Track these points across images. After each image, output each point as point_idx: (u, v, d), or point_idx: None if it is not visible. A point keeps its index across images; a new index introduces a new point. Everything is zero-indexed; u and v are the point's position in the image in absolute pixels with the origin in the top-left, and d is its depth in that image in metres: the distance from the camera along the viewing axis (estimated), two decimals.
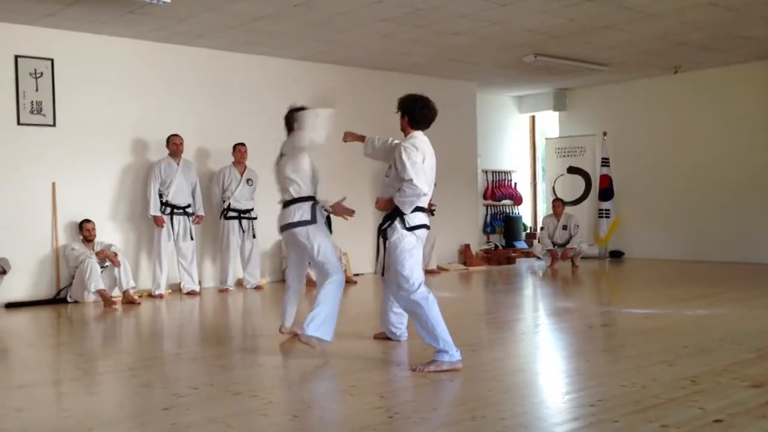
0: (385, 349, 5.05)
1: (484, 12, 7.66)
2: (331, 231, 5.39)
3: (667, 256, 11.41)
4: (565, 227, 10.80)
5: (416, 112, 4.76)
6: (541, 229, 11.26)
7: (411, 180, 4.41)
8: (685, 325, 5.76)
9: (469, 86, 11.63)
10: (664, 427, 3.12)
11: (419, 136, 4.71)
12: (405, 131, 4.80)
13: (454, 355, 4.28)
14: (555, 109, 12.88)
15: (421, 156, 4.52)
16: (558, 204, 11.06)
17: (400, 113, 4.82)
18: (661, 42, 9.18)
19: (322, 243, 5.07)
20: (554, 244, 10.82)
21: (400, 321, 5.18)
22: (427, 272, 10.17)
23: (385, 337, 5.24)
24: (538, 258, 11.21)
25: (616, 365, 4.46)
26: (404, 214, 4.52)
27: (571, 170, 12.46)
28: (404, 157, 4.48)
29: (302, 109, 5.33)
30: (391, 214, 4.57)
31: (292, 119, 5.29)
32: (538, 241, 11.17)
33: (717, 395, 3.61)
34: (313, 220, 5.11)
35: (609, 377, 4.07)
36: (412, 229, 4.55)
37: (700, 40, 9.11)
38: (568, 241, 10.73)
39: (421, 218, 4.62)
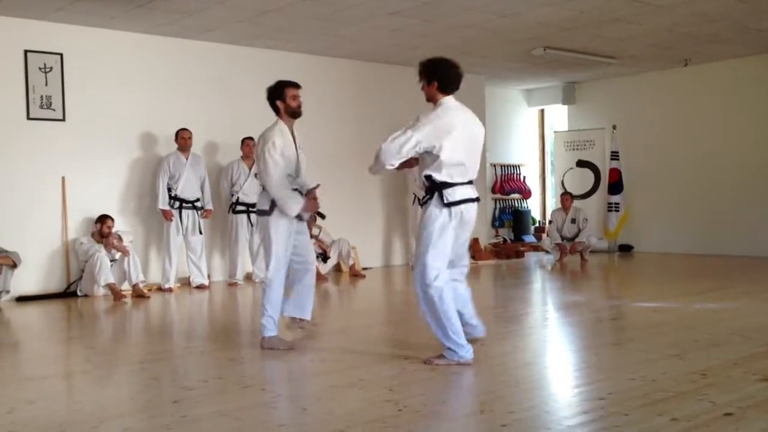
0: (394, 342, 5.05)
1: (493, 5, 7.63)
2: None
3: (677, 250, 11.35)
4: (573, 221, 10.77)
5: (445, 75, 4.29)
6: (550, 222, 11.23)
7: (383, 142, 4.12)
8: (694, 318, 5.73)
9: (478, 80, 11.59)
10: (674, 420, 3.11)
11: (448, 103, 4.27)
12: (434, 99, 4.32)
13: (463, 355, 4.16)
14: (564, 103, 12.83)
15: (437, 128, 4.12)
16: (566, 197, 11.03)
17: (424, 81, 4.34)
18: (671, 34, 9.12)
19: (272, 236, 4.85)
20: (563, 237, 10.79)
21: (471, 315, 4.68)
22: None
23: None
24: (547, 252, 11.19)
25: (625, 359, 4.45)
26: (442, 187, 4.15)
27: (580, 164, 12.42)
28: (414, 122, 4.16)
29: None
30: (430, 188, 4.22)
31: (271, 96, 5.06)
32: (547, 235, 11.15)
33: (727, 389, 3.60)
34: (270, 211, 4.85)
35: (618, 371, 4.06)
36: (450, 205, 4.16)
37: (710, 32, 9.05)
38: (576, 235, 10.70)
39: (463, 192, 4.20)
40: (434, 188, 4.20)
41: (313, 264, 5.26)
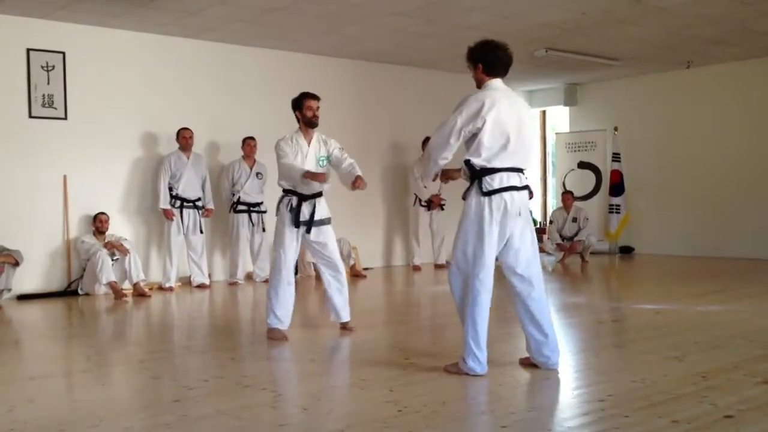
0: (394, 342, 5.05)
1: (496, 6, 7.63)
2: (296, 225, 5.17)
3: (678, 252, 11.35)
4: (575, 219, 10.78)
5: (489, 56, 4.01)
6: (550, 222, 11.23)
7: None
8: (695, 321, 5.73)
9: None
10: (675, 422, 3.11)
11: (493, 85, 4.01)
12: (481, 83, 4.06)
13: (473, 367, 3.90)
14: (566, 104, 12.82)
15: (477, 106, 3.86)
16: (567, 196, 11.03)
17: (470, 65, 4.08)
18: (673, 36, 9.11)
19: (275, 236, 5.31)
20: (563, 237, 10.79)
21: (544, 343, 4.05)
22: (437, 267, 10.18)
23: (531, 363, 4.16)
24: (548, 253, 11.18)
25: (626, 361, 4.45)
26: (482, 174, 3.87)
27: (582, 165, 12.42)
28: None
29: None
30: (470, 177, 3.95)
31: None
32: (548, 237, 11.14)
33: (728, 391, 3.59)
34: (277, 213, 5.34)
35: (619, 373, 4.06)
36: (490, 193, 3.86)
37: (713, 34, 9.05)
38: (576, 234, 10.70)
39: (504, 179, 3.89)
40: (473, 176, 3.91)
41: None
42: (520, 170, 3.99)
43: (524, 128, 4.00)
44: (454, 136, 3.89)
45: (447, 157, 3.95)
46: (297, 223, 5.14)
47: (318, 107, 5.30)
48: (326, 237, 5.28)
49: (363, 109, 10.29)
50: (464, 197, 4.01)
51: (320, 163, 5.25)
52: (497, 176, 3.88)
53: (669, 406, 3.34)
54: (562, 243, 10.70)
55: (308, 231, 5.17)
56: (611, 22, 8.35)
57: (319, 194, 5.25)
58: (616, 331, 5.64)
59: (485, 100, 3.87)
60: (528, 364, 4.16)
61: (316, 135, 5.35)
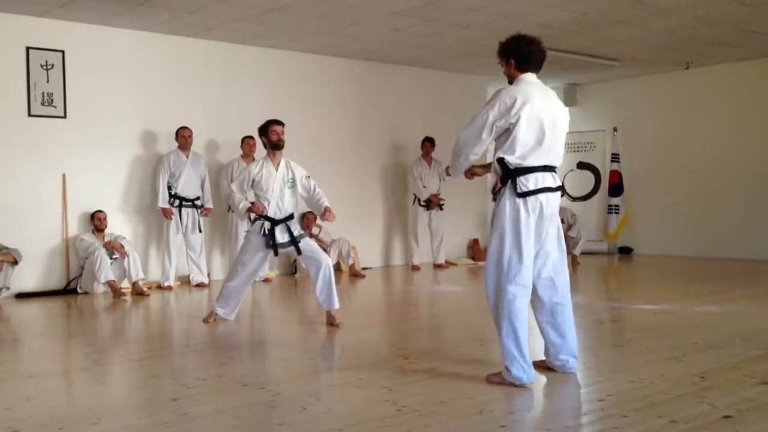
0: (393, 342, 5.05)
1: (496, 5, 7.63)
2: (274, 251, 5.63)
3: (677, 253, 11.35)
4: (563, 220, 10.75)
5: (522, 51, 3.87)
6: None
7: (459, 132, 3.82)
8: (694, 321, 5.73)
9: (480, 80, 11.58)
10: (673, 422, 3.11)
11: (525, 79, 3.87)
12: (513, 79, 3.92)
13: (520, 376, 3.68)
14: (565, 104, 12.64)
15: (510, 101, 3.73)
16: None
17: (502, 61, 3.96)
18: (673, 37, 9.12)
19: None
20: None
21: (562, 347, 3.96)
22: (436, 267, 10.18)
23: (546, 366, 4.05)
24: None
25: (625, 361, 4.45)
26: (516, 174, 3.72)
27: (581, 166, 12.42)
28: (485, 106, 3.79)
29: None
30: (503, 176, 3.79)
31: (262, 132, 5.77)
32: None
33: (726, 392, 3.59)
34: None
35: (618, 373, 4.06)
36: (524, 195, 3.71)
37: (712, 35, 9.05)
38: (567, 231, 10.69)
39: (540, 179, 3.74)
40: (507, 175, 3.75)
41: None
42: (553, 169, 3.85)
43: (558, 124, 3.89)
44: (486, 131, 3.76)
45: (478, 153, 3.84)
46: (275, 250, 5.55)
47: (283, 131, 5.67)
48: (307, 244, 5.69)
49: (362, 108, 10.29)
50: (495, 198, 3.87)
51: (287, 185, 5.67)
52: (532, 177, 3.74)
53: (668, 406, 3.34)
54: None
55: (298, 252, 5.60)
56: (611, 22, 8.35)
57: (291, 217, 5.68)
58: (614, 332, 5.64)
59: (518, 95, 3.74)
60: (544, 367, 4.03)
61: (284, 160, 5.73)
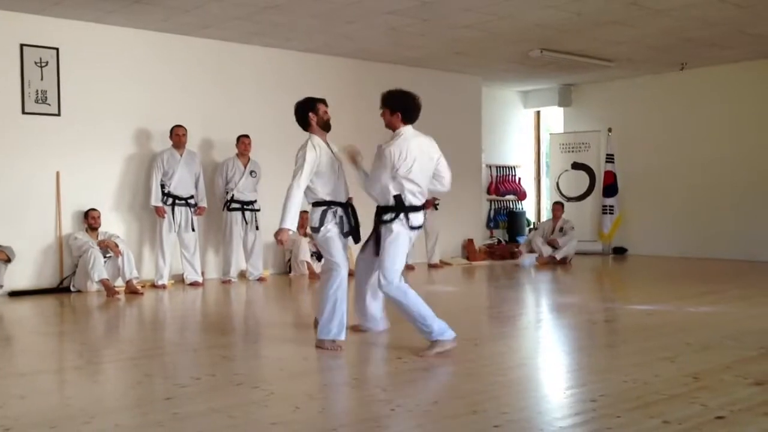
0: (387, 341, 5.05)
1: (491, 6, 7.64)
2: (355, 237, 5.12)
3: (671, 253, 11.38)
4: (561, 229, 10.78)
5: (410, 106, 4.61)
6: (535, 229, 11.25)
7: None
8: (687, 322, 5.75)
9: (475, 80, 11.60)
10: (666, 423, 3.12)
11: (406, 132, 4.60)
12: (394, 127, 4.62)
13: (445, 334, 4.43)
14: (560, 105, 12.85)
15: (404, 156, 4.50)
16: (558, 207, 11.06)
17: (387, 110, 4.60)
18: (668, 38, 9.14)
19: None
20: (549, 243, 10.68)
21: (378, 308, 5.11)
22: (430, 266, 10.18)
23: (360, 329, 5.14)
24: (521, 254, 10.93)
25: (618, 361, 4.46)
26: (409, 211, 4.59)
27: (576, 166, 12.45)
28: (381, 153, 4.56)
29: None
30: (394, 208, 4.63)
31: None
32: (530, 239, 10.98)
33: (719, 392, 3.60)
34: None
35: (611, 373, 4.07)
36: (414, 228, 4.64)
37: (707, 36, 9.08)
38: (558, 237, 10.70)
39: (420, 219, 4.69)
40: (402, 209, 4.67)
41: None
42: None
43: (425, 170, 4.66)
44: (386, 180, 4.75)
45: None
46: (357, 236, 5.07)
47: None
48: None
49: (358, 107, 10.27)
50: (388, 222, 4.77)
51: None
52: (416, 216, 4.73)
53: (661, 407, 3.35)
54: (541, 256, 10.52)
55: (356, 240, 5.05)
56: (606, 23, 8.37)
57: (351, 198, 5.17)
58: (608, 332, 5.65)
59: (403, 153, 4.51)
60: (359, 330, 5.11)
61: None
